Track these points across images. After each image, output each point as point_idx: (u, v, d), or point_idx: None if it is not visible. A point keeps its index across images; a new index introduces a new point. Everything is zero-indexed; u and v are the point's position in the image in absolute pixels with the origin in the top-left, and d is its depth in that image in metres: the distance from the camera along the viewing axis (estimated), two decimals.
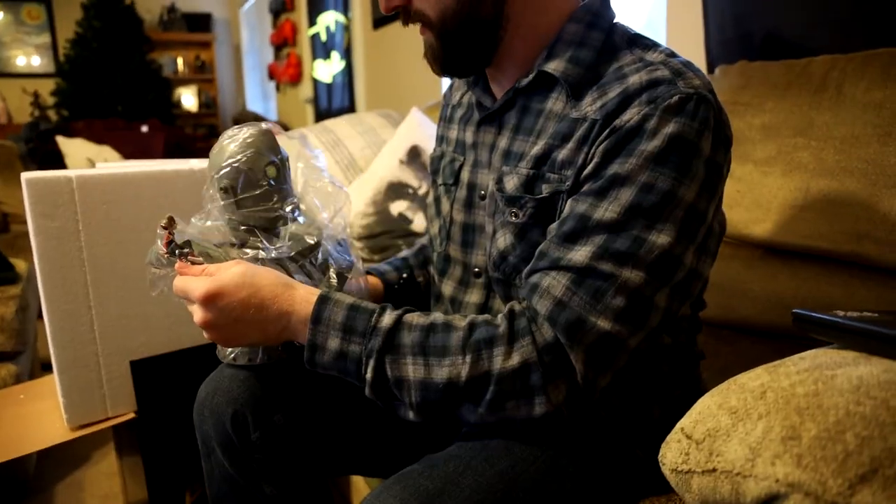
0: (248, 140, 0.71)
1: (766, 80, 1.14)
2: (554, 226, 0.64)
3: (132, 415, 1.04)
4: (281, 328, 0.65)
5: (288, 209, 0.74)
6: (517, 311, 0.62)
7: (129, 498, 1.26)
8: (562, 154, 0.65)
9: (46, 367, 1.03)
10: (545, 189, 0.66)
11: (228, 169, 0.71)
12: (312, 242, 0.74)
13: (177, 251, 0.68)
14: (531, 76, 0.68)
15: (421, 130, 1.96)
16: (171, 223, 0.68)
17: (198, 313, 0.66)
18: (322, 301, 0.64)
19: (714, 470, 0.45)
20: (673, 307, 0.62)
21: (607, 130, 0.61)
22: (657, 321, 0.61)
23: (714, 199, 0.62)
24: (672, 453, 0.50)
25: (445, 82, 2.53)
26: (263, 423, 0.74)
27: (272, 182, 0.72)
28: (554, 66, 0.66)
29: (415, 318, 0.63)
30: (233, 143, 0.71)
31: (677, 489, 0.50)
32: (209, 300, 0.64)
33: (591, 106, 0.64)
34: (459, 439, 0.68)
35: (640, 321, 0.59)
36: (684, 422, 0.50)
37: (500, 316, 0.62)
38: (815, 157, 1.03)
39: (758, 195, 1.11)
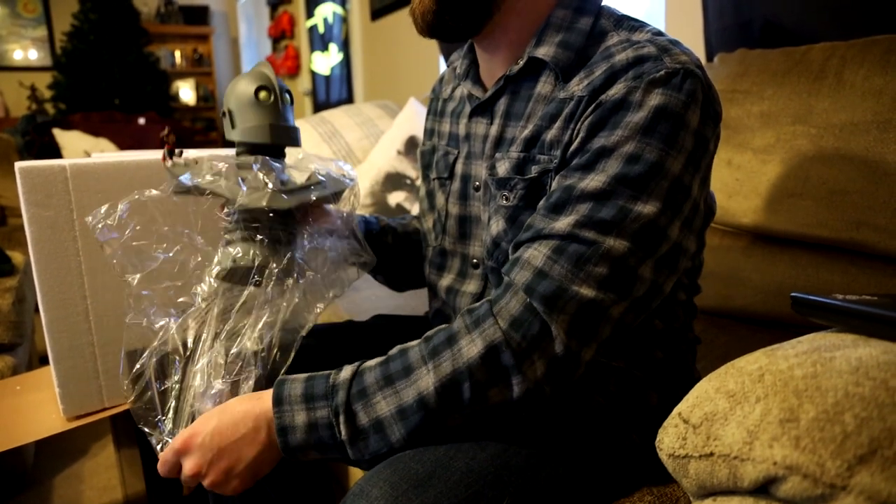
0: (243, 74, 0.75)
1: (766, 68, 1.14)
2: (542, 202, 0.64)
3: (128, 405, 1.04)
4: (266, 431, 0.62)
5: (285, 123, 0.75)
6: (474, 304, 0.62)
7: (127, 489, 1.26)
8: (550, 134, 0.65)
9: (44, 360, 1.03)
10: (534, 170, 0.66)
11: (226, 97, 0.74)
12: (316, 173, 0.76)
13: (174, 153, 0.73)
14: (521, 63, 0.68)
15: (419, 121, 1.95)
16: (169, 133, 0.73)
17: (185, 468, 0.63)
18: (279, 384, 0.63)
19: (711, 454, 0.45)
20: (659, 280, 0.61)
21: (593, 105, 0.61)
22: (643, 293, 0.60)
23: (699, 174, 0.62)
24: (669, 438, 0.49)
25: None
26: None
27: (263, 103, 0.73)
28: (543, 52, 0.67)
29: (372, 361, 0.62)
30: (236, 80, 0.75)
31: (674, 474, 0.50)
32: (185, 447, 0.63)
33: (578, 86, 0.64)
34: None
35: (623, 290, 0.59)
36: (682, 406, 0.50)
37: (454, 319, 0.62)
38: (815, 145, 1.02)
39: (757, 183, 1.10)
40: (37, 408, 1.05)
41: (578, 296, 0.57)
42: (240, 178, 0.71)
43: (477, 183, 0.75)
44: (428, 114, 0.90)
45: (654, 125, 0.58)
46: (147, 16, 5.70)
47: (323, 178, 0.77)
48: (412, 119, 2.01)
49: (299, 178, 0.78)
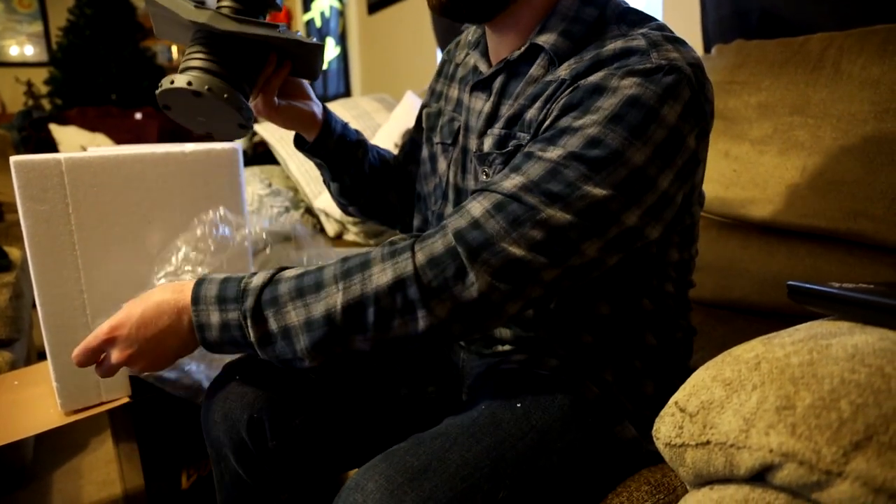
0: None
1: (763, 59, 1.13)
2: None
3: (126, 399, 1.04)
4: (187, 322, 0.65)
5: None
6: (399, 238, 0.62)
7: (126, 484, 1.26)
8: (530, 113, 0.67)
9: (42, 356, 1.03)
10: (511, 145, 0.68)
11: None
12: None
13: None
14: (522, 49, 0.69)
15: (415, 114, 1.94)
16: None
17: (112, 357, 0.67)
18: (197, 284, 0.66)
19: (708, 442, 0.45)
20: (604, 258, 0.61)
21: (570, 88, 0.62)
22: (580, 264, 0.60)
23: (671, 169, 0.60)
24: (666, 427, 0.49)
25: None
26: (281, 428, 0.72)
27: None
28: (544, 39, 0.67)
29: (289, 271, 0.64)
30: None
31: (671, 463, 0.50)
32: (111, 338, 0.66)
33: (565, 70, 0.65)
34: (450, 416, 0.68)
35: (557, 258, 0.58)
36: (678, 395, 0.50)
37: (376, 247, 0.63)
38: (812, 135, 1.02)
39: (754, 174, 1.10)
40: (35, 402, 1.05)
41: (505, 252, 0.57)
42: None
43: (472, 158, 0.76)
44: (439, 75, 0.90)
45: (624, 113, 0.58)
46: (143, 10, 5.67)
47: (282, 26, 0.72)
48: (409, 112, 2.01)
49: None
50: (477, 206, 0.60)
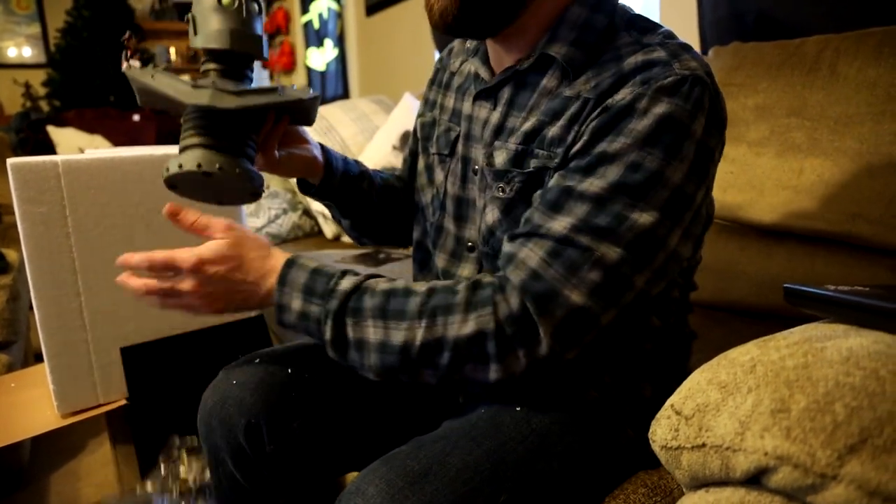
0: None
1: (760, 61, 1.13)
2: (538, 194, 0.64)
3: (123, 401, 1.04)
4: (265, 290, 0.67)
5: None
6: (484, 282, 0.62)
7: (123, 486, 1.26)
8: (552, 131, 0.64)
9: (40, 358, 1.03)
10: (533, 164, 0.66)
11: (193, 3, 0.71)
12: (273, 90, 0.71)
13: (138, 57, 0.70)
14: (532, 59, 0.67)
15: (413, 116, 1.94)
16: (130, 36, 0.71)
17: (184, 285, 0.67)
18: (288, 264, 0.67)
19: (703, 445, 0.45)
20: (649, 288, 0.61)
21: (599, 109, 0.61)
22: (631, 299, 0.60)
23: (703, 184, 0.62)
24: (662, 430, 0.49)
25: None
26: (279, 433, 0.72)
27: (225, 7, 0.69)
28: (556, 50, 0.65)
29: (378, 283, 0.65)
30: None
31: (667, 466, 0.50)
32: (200, 266, 0.66)
33: (584, 85, 0.63)
34: (449, 419, 0.68)
35: (614, 298, 0.59)
36: (674, 398, 0.50)
37: (461, 284, 0.62)
38: (809, 137, 1.02)
39: (751, 176, 1.10)
40: (31, 405, 1.04)
41: (569, 302, 0.58)
42: (194, 81, 0.68)
43: (476, 167, 0.74)
44: (432, 84, 0.88)
45: (658, 134, 0.58)
46: (141, 13, 5.67)
47: (279, 87, 0.72)
48: (407, 114, 2.01)
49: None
50: (532, 256, 0.60)
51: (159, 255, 0.67)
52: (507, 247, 0.63)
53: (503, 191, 0.68)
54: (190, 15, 0.70)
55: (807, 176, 1.02)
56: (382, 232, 0.95)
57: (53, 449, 1.65)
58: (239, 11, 0.69)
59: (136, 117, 4.31)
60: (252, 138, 0.73)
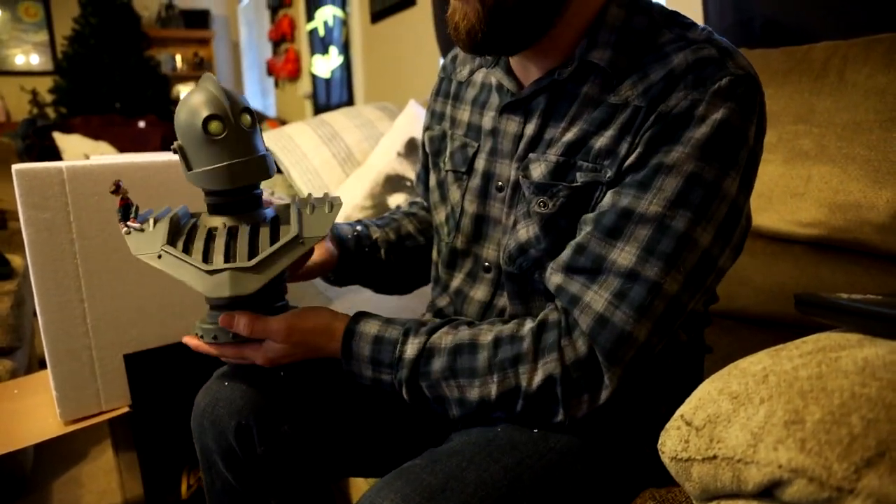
0: (190, 92, 0.62)
1: (767, 67, 1.13)
2: (591, 216, 0.61)
3: (126, 409, 1.03)
4: (334, 348, 0.69)
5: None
6: (549, 322, 0.61)
7: (126, 493, 1.26)
8: (599, 142, 0.61)
9: (44, 364, 1.03)
10: (580, 178, 0.63)
11: (175, 123, 0.62)
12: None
13: (131, 212, 0.67)
14: (573, 66, 0.63)
15: (418, 123, 1.94)
16: (118, 187, 0.66)
17: (272, 351, 0.69)
18: (348, 334, 0.68)
19: (715, 457, 0.44)
20: (694, 306, 0.61)
21: (653, 117, 0.58)
22: (679, 322, 0.60)
23: (749, 194, 0.61)
24: (671, 441, 0.48)
25: None
26: (269, 435, 0.72)
27: (215, 137, 0.61)
28: (599, 56, 0.62)
29: (441, 339, 0.65)
30: (181, 105, 0.63)
31: (677, 478, 0.49)
32: (286, 337, 0.67)
33: (631, 90, 0.60)
34: (459, 432, 0.67)
35: (670, 326, 0.59)
36: (684, 408, 0.49)
37: (527, 328, 0.62)
38: (817, 144, 1.01)
39: (759, 183, 1.08)
40: (34, 411, 1.04)
41: (637, 342, 0.58)
42: (206, 248, 0.63)
43: (500, 183, 0.71)
44: (437, 95, 0.84)
45: (716, 143, 0.56)
46: (148, 20, 5.70)
47: (298, 217, 0.67)
48: (412, 121, 2.01)
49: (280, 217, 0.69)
50: (597, 300, 0.58)
51: (229, 351, 0.70)
52: (566, 283, 0.61)
53: (544, 205, 0.65)
54: (177, 145, 0.62)
55: (814, 183, 1.01)
56: (410, 281, 0.93)
57: (56, 456, 1.65)
58: (231, 138, 0.61)
59: (142, 124, 4.33)
60: (281, 283, 0.74)
